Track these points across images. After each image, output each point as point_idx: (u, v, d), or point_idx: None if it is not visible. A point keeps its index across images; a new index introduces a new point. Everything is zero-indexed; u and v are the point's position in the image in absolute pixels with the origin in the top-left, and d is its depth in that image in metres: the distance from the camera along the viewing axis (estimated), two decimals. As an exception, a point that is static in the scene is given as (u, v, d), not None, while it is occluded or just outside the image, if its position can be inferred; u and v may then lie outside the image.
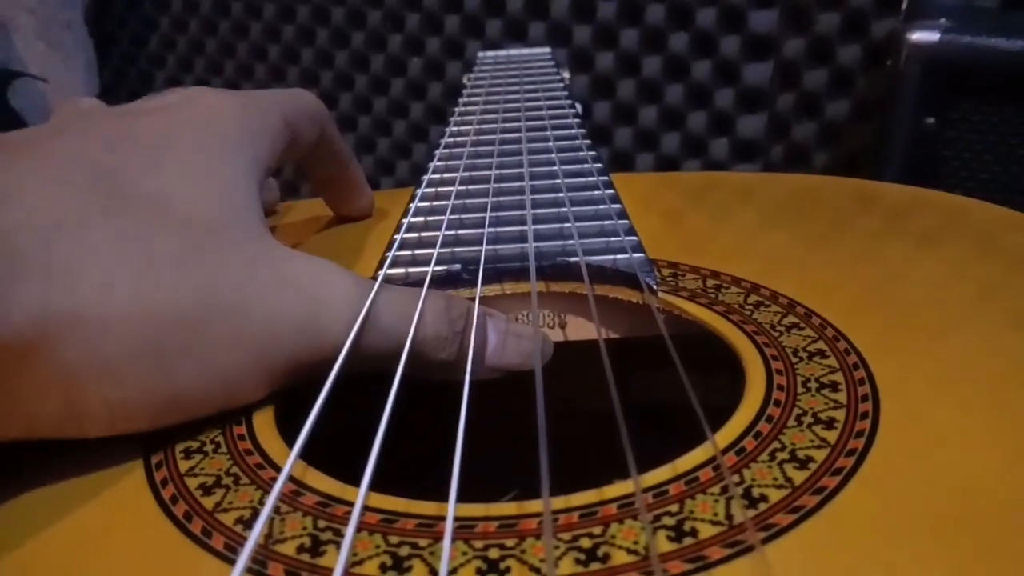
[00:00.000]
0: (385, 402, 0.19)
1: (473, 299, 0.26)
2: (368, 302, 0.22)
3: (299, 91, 0.31)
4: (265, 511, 0.16)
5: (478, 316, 0.24)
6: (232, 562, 0.16)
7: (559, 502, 0.17)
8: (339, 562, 0.15)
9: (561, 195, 0.32)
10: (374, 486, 0.17)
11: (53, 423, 0.19)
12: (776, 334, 0.23)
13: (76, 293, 0.18)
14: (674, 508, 0.16)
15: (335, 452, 0.20)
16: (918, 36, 0.49)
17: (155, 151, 0.23)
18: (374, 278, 0.24)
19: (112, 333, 0.18)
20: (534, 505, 0.17)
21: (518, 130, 0.41)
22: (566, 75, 0.56)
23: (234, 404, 0.21)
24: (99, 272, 0.19)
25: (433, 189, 0.35)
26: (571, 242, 0.28)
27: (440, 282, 0.27)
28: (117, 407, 0.19)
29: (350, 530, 0.16)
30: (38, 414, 0.19)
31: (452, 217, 0.31)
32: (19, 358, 0.18)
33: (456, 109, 0.47)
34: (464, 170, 0.36)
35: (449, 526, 0.15)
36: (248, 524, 0.17)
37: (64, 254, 0.18)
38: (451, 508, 0.16)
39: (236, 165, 0.24)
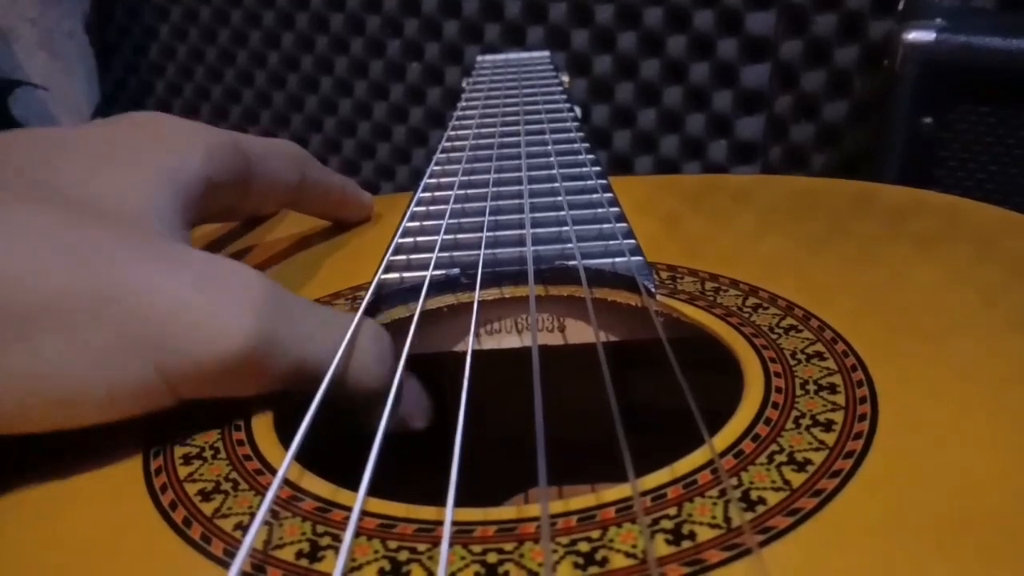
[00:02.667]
0: (384, 406, 0.19)
1: (472, 303, 0.26)
2: (350, 324, 0.22)
3: (275, 139, 0.32)
4: (259, 516, 0.16)
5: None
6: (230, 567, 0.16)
7: (557, 506, 0.17)
8: (337, 568, 0.15)
9: (560, 199, 0.32)
10: (373, 491, 0.17)
11: None
12: (774, 336, 0.23)
13: None
14: (672, 511, 0.16)
15: (334, 457, 0.20)
16: (914, 36, 0.49)
17: (56, 155, 0.23)
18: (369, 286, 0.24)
19: None
20: (532, 509, 0.17)
21: (517, 134, 0.42)
22: (565, 79, 0.56)
23: (127, 404, 0.20)
24: None
25: (431, 194, 0.35)
26: (570, 245, 0.28)
27: (438, 286, 0.27)
28: None
29: (348, 535, 0.16)
30: None
31: (451, 221, 0.31)
32: None
33: (455, 113, 0.47)
34: (463, 174, 0.36)
35: (447, 531, 0.15)
36: (247, 530, 0.17)
37: None
38: (449, 512, 0.16)
39: (152, 171, 0.24)
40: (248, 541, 0.15)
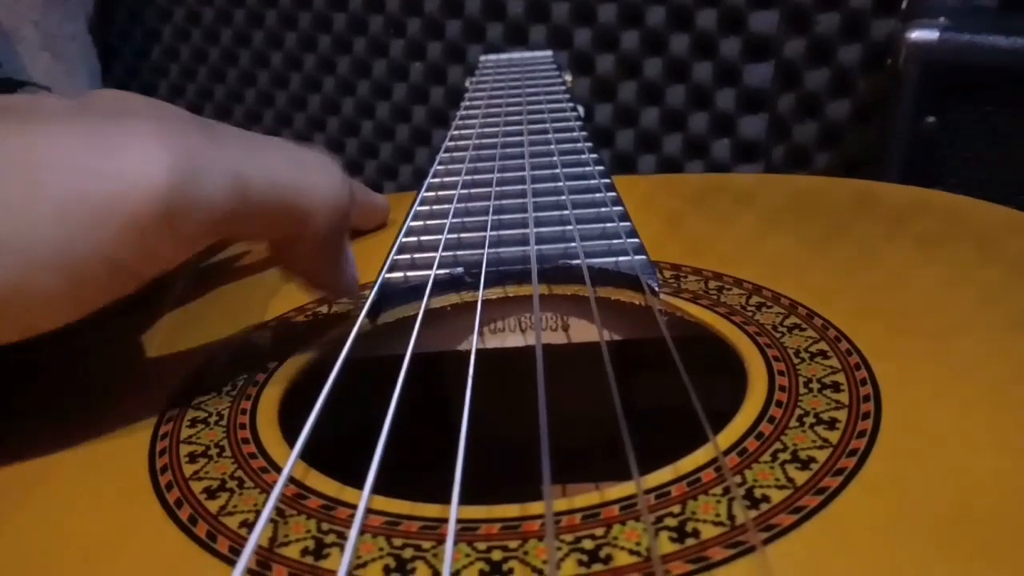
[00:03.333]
0: (388, 404, 0.19)
1: (476, 302, 0.26)
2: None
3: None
4: (265, 513, 0.16)
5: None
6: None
7: (561, 504, 0.17)
8: (342, 564, 0.15)
9: (563, 198, 0.32)
10: (377, 489, 0.17)
11: None
12: (778, 335, 0.23)
13: None
14: (676, 509, 0.16)
15: (339, 454, 0.20)
16: (917, 35, 0.49)
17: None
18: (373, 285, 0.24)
19: None
20: (536, 507, 0.17)
21: (520, 133, 0.42)
22: (568, 78, 0.56)
23: (61, 285, 0.18)
24: None
25: (435, 193, 0.35)
26: (573, 245, 0.28)
27: (443, 285, 0.27)
28: None
29: (353, 533, 0.16)
30: None
31: (454, 220, 0.31)
32: None
33: (458, 113, 0.47)
34: (466, 173, 0.36)
35: (452, 528, 0.16)
36: (252, 527, 0.17)
37: None
38: (454, 510, 0.16)
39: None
40: (253, 539, 0.15)
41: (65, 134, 0.18)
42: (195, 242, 0.19)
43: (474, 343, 0.23)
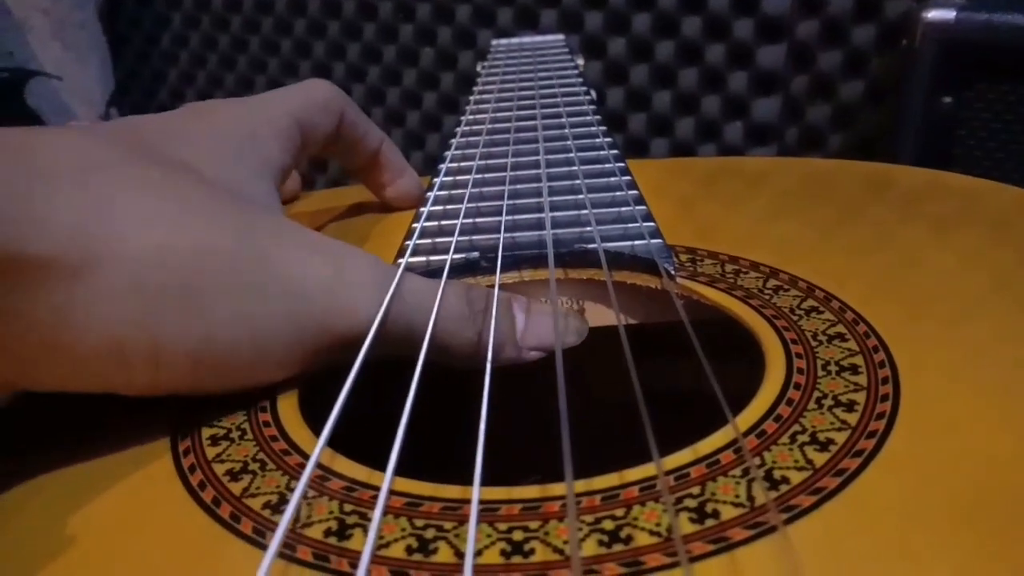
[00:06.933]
0: (409, 387, 0.19)
1: (492, 286, 0.26)
2: (394, 284, 0.23)
3: (311, 83, 0.32)
4: (295, 497, 0.16)
5: (501, 299, 0.24)
6: (260, 546, 0.16)
7: (581, 485, 0.17)
8: (367, 544, 0.15)
9: (578, 182, 0.32)
10: (399, 471, 0.17)
11: (99, 367, 0.19)
12: (795, 318, 0.23)
13: (114, 222, 0.19)
14: (696, 490, 0.16)
15: (360, 437, 0.20)
16: (933, 15, 0.48)
17: (177, 143, 0.24)
18: (395, 266, 0.24)
19: (151, 264, 0.19)
20: (557, 488, 0.17)
21: (533, 118, 0.41)
22: (580, 62, 0.56)
23: (263, 369, 0.21)
24: (136, 206, 0.20)
25: (451, 178, 0.35)
26: (589, 229, 0.28)
27: (459, 270, 0.28)
28: (162, 346, 0.19)
29: (377, 513, 0.16)
30: (85, 355, 0.19)
31: (470, 205, 0.31)
32: (62, 279, 0.18)
33: (471, 98, 0.47)
34: (480, 158, 0.36)
35: (474, 509, 0.16)
36: (275, 509, 0.17)
37: (100, 185, 0.20)
38: (476, 491, 0.16)
39: (245, 168, 0.26)
40: (283, 524, 0.16)
41: (308, 254, 0.22)
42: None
43: (492, 327, 0.23)
